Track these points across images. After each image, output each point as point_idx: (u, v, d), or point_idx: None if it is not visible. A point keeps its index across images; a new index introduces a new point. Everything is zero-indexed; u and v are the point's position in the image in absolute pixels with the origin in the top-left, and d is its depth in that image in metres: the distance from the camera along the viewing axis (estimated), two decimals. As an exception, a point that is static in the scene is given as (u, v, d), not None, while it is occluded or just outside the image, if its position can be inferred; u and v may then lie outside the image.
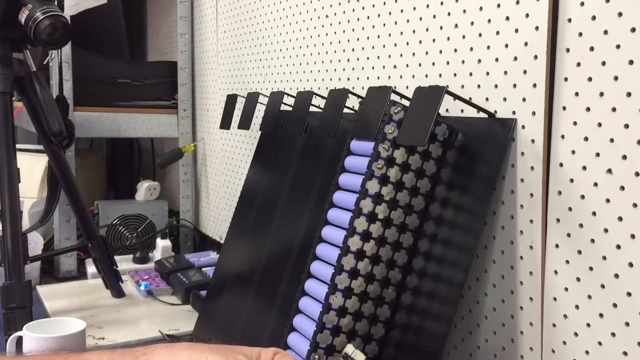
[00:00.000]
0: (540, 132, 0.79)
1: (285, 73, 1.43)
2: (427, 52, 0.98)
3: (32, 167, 1.99)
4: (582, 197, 0.74)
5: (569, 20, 0.75)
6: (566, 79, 0.76)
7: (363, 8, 1.14)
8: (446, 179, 0.87)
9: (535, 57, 0.79)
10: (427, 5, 0.98)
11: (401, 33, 1.04)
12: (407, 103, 0.84)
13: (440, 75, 0.96)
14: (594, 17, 0.72)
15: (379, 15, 1.10)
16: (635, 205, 0.68)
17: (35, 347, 0.97)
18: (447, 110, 0.94)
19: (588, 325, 0.74)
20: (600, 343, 0.73)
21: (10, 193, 1.20)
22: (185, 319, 1.41)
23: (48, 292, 1.57)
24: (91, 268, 1.68)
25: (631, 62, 0.68)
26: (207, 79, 1.92)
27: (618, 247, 0.70)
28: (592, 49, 0.72)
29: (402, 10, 1.04)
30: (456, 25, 0.92)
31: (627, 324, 0.69)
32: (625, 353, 0.70)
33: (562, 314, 0.77)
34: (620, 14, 0.69)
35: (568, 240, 0.76)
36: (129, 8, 2.48)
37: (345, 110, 0.99)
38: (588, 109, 0.73)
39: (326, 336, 0.83)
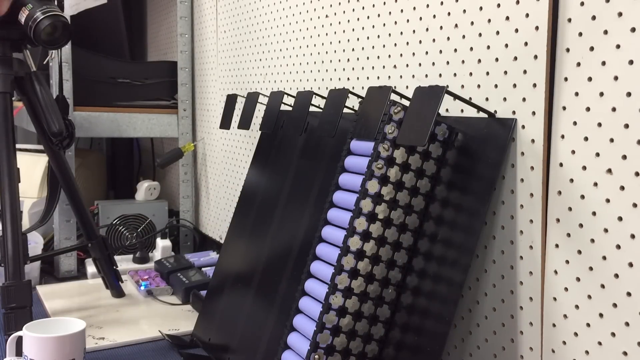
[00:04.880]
0: (540, 132, 0.79)
1: (285, 73, 1.43)
2: (427, 52, 0.98)
3: (32, 167, 1.99)
4: (582, 197, 0.74)
5: (569, 20, 0.75)
6: (566, 79, 0.76)
7: (363, 8, 1.14)
8: (446, 179, 0.87)
9: (535, 57, 0.79)
10: (427, 5, 0.98)
11: (401, 33, 1.04)
12: (407, 103, 0.84)
13: (440, 75, 0.96)
14: (594, 17, 0.72)
15: (379, 15, 1.10)
16: (635, 205, 0.68)
17: (35, 347, 0.97)
18: (447, 110, 0.94)
19: (588, 325, 0.74)
20: (600, 343, 0.73)
21: (10, 193, 1.20)
22: (185, 319, 1.41)
23: (48, 292, 1.57)
24: (91, 268, 1.69)
25: (631, 62, 0.68)
26: (207, 79, 1.92)
27: (618, 247, 0.70)
28: (592, 49, 0.72)
29: (402, 10, 1.04)
30: (456, 25, 0.92)
31: (627, 324, 0.69)
32: (625, 353, 0.70)
33: (562, 314, 0.77)
34: (620, 14, 0.69)
35: (568, 240, 0.76)
36: (129, 8, 2.48)
37: (345, 110, 0.99)
38: (588, 109, 0.73)
39: (326, 336, 0.83)
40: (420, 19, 0.99)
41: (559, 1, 0.76)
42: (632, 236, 0.69)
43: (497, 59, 0.85)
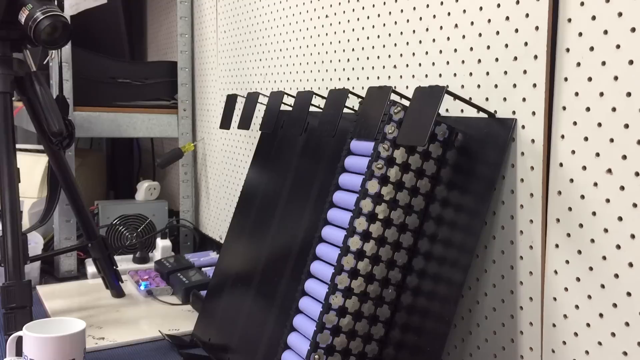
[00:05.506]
0: (540, 132, 0.79)
1: (285, 73, 1.43)
2: (427, 52, 0.98)
3: (32, 167, 1.99)
4: (582, 197, 0.74)
5: (569, 20, 0.75)
6: (566, 79, 0.76)
7: (363, 8, 1.14)
8: (446, 179, 0.87)
9: (535, 57, 0.79)
10: (427, 5, 0.98)
11: (401, 33, 1.04)
12: (407, 103, 0.84)
13: (440, 75, 0.96)
14: (594, 17, 0.72)
15: (379, 15, 1.10)
16: (635, 205, 0.68)
17: (35, 347, 0.97)
18: (447, 110, 0.94)
19: (588, 325, 0.74)
20: (600, 343, 0.73)
21: (10, 193, 1.20)
22: (185, 319, 1.41)
23: (48, 292, 1.57)
24: (91, 268, 1.68)
25: (631, 62, 0.68)
26: (207, 79, 1.92)
27: (618, 247, 0.70)
28: (592, 49, 0.72)
29: (402, 10, 1.04)
30: (456, 25, 0.92)
31: (627, 324, 0.69)
32: (625, 353, 0.70)
33: (562, 314, 0.77)
34: (620, 14, 0.69)
35: (568, 240, 0.76)
36: (129, 8, 2.49)
37: (345, 110, 0.99)
38: (588, 109, 0.73)
39: (326, 336, 0.83)
40: (420, 19, 0.99)
41: (559, 1, 0.76)
42: (632, 236, 0.69)
43: (497, 59, 0.85)
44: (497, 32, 0.85)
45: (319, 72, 1.29)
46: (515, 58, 0.82)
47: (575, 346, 0.76)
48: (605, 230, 0.71)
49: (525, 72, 0.81)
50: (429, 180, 0.87)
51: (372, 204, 0.84)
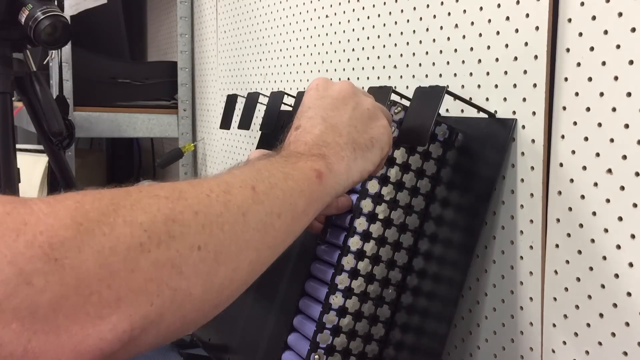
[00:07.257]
0: (540, 132, 0.79)
1: (285, 73, 1.43)
2: (427, 52, 0.98)
3: (32, 167, 1.99)
4: (582, 197, 0.74)
5: (569, 20, 0.75)
6: (566, 79, 0.76)
7: (363, 8, 1.14)
8: (446, 179, 0.87)
9: (535, 57, 0.79)
10: (427, 5, 0.98)
11: (401, 33, 1.04)
12: (407, 103, 0.84)
13: (440, 75, 0.96)
14: (594, 17, 0.72)
15: (379, 16, 1.10)
16: (635, 205, 0.68)
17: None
18: (447, 110, 0.94)
19: (588, 325, 0.74)
20: (600, 343, 0.73)
21: (10, 193, 1.20)
22: (185, 319, 1.40)
23: (48, 292, 1.57)
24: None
25: (631, 62, 0.68)
26: (207, 79, 1.92)
27: (618, 247, 0.70)
28: (592, 49, 0.72)
29: (402, 11, 1.04)
30: (456, 25, 0.92)
31: (627, 324, 0.69)
32: (625, 353, 0.70)
33: (562, 314, 0.77)
34: (620, 14, 0.69)
35: (568, 240, 0.76)
36: (129, 8, 2.49)
37: (346, 110, 0.99)
38: (588, 109, 0.73)
39: (326, 336, 0.83)
40: (421, 19, 0.99)
41: (559, 1, 0.76)
42: (632, 236, 0.69)
43: (497, 59, 0.85)
44: (497, 32, 0.85)
45: (319, 72, 1.29)
46: (516, 58, 0.82)
47: (575, 346, 0.76)
48: (606, 230, 0.71)
49: (525, 72, 0.81)
50: (429, 181, 0.87)
51: (372, 204, 0.84)
